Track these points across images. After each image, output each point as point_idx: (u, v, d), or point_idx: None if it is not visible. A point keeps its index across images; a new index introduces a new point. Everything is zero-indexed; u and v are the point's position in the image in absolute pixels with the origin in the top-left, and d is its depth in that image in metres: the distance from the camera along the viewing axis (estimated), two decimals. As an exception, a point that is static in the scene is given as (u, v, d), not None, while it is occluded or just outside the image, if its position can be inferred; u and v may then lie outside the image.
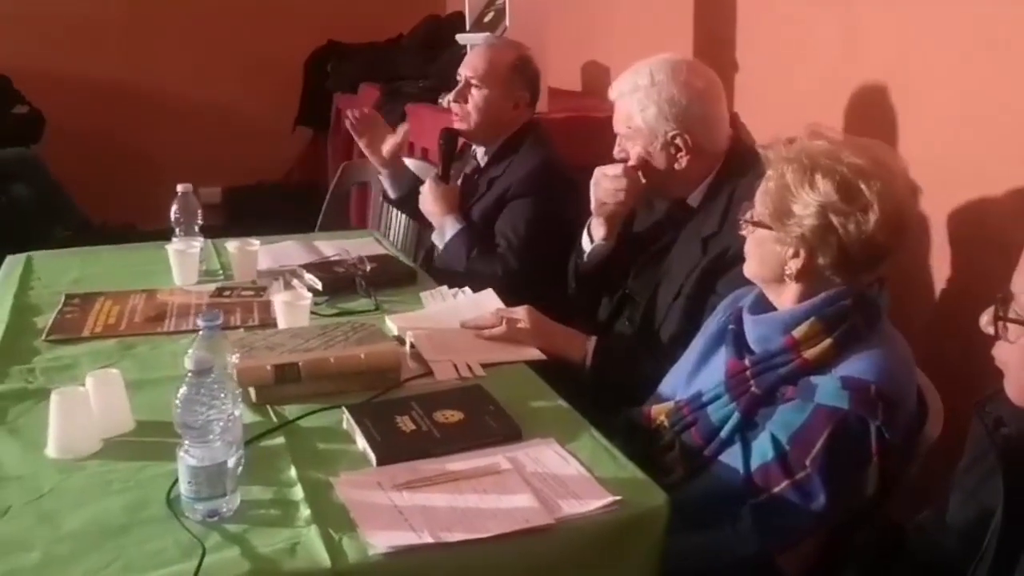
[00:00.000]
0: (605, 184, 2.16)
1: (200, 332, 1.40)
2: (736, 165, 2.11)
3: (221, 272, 2.50)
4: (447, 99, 2.93)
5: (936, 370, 1.67)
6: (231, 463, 1.36)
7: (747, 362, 1.61)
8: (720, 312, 1.80)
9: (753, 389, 1.58)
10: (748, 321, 1.66)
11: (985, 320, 1.16)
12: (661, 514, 1.39)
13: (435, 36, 4.85)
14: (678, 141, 2.08)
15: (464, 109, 2.72)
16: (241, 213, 5.60)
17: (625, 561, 1.38)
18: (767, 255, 1.61)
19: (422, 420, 1.61)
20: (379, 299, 2.27)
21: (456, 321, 2.08)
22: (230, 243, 2.46)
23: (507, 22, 3.42)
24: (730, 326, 1.70)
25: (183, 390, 1.33)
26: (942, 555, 1.28)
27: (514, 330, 2.02)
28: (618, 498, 1.38)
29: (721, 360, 1.69)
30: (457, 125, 2.77)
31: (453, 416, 1.63)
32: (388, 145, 2.82)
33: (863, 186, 1.50)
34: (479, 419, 1.63)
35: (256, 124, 5.71)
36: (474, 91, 2.70)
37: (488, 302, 2.18)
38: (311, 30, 5.69)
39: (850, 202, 1.51)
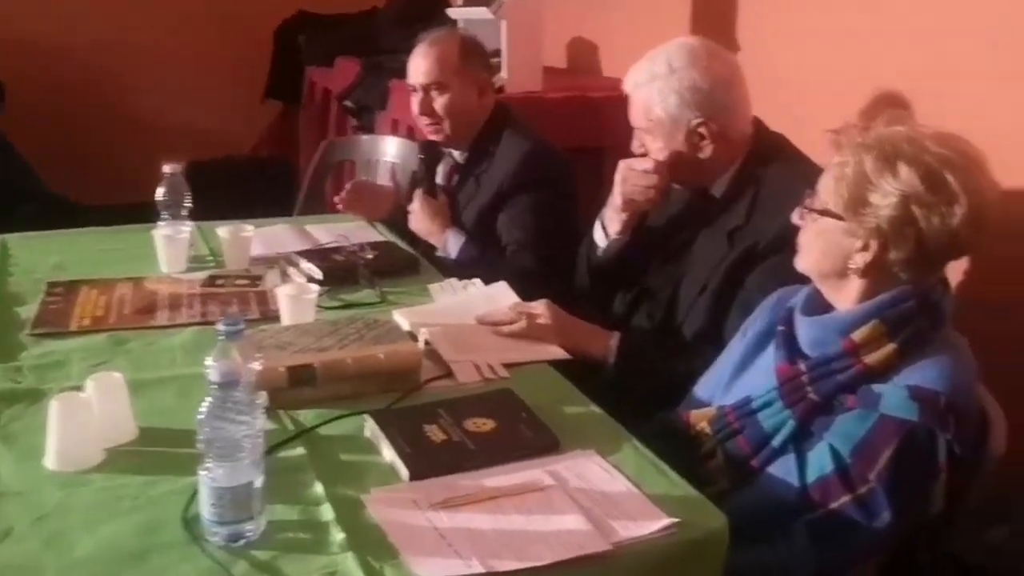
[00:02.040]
0: (634, 180, 2.05)
1: (219, 338, 1.27)
2: (762, 153, 2.02)
3: (211, 258, 2.36)
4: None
5: (997, 381, 1.59)
6: (258, 483, 1.24)
7: (802, 367, 1.52)
8: (763, 312, 1.71)
9: (810, 396, 1.49)
10: (801, 322, 1.57)
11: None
12: (722, 538, 1.29)
13: (415, 7, 4.67)
14: (702, 130, 1.98)
15: (435, 120, 2.58)
16: (207, 189, 5.41)
17: (685, 588, 1.29)
18: (831, 247, 1.51)
19: (452, 429, 1.50)
20: (383, 290, 2.15)
21: (470, 316, 1.97)
22: (221, 228, 2.32)
23: (502, -5, 3.29)
24: (779, 327, 1.61)
25: (206, 405, 1.20)
26: (1025, 583, 1.21)
27: (534, 326, 1.91)
28: (676, 520, 1.28)
29: (768, 364, 1.60)
30: (432, 137, 2.63)
31: (485, 424, 1.52)
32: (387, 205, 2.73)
33: (949, 177, 1.41)
34: (513, 428, 1.52)
35: (224, 96, 5.51)
36: (436, 96, 2.56)
37: (502, 296, 2.07)
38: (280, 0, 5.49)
39: (936, 193, 1.42)
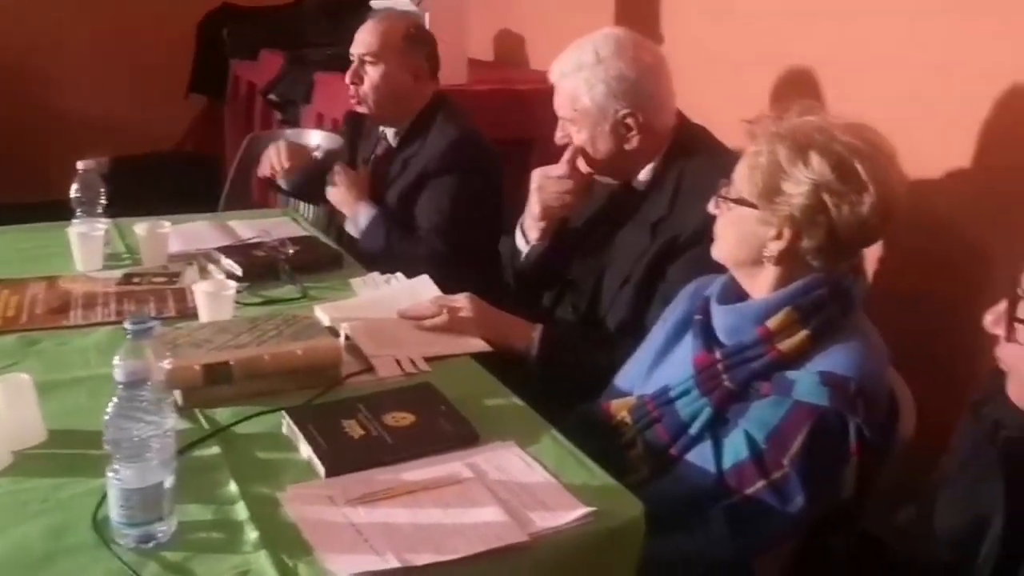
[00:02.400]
0: (550, 188, 2.04)
1: (128, 337, 1.24)
2: (684, 145, 2.03)
3: (127, 256, 2.30)
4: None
5: (906, 366, 1.63)
6: (168, 483, 1.22)
7: (718, 355, 1.54)
8: (681, 301, 1.72)
9: (726, 383, 1.51)
10: (717, 311, 1.59)
11: (991, 320, 1.11)
12: (639, 525, 1.30)
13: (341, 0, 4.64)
14: (629, 120, 1.98)
15: (362, 90, 2.59)
16: (129, 185, 5.29)
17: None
18: (746, 235, 1.53)
19: (371, 424, 1.49)
20: (305, 285, 2.12)
21: (392, 310, 1.95)
22: (137, 225, 2.27)
23: (426, -13, 3.27)
24: (696, 316, 1.63)
25: (113, 405, 1.18)
26: (931, 563, 1.24)
27: (456, 319, 1.91)
28: (593, 509, 1.29)
29: (686, 352, 1.61)
30: (359, 108, 2.64)
31: (404, 419, 1.51)
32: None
33: (859, 166, 1.44)
34: (432, 422, 1.51)
35: (146, 90, 5.39)
36: (369, 68, 2.57)
37: (425, 289, 2.06)
38: (203, -9, 5.40)
39: (846, 182, 1.44)
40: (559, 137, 2.08)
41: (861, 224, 1.46)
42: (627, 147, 2.00)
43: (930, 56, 2.19)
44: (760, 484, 1.43)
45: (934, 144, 2.15)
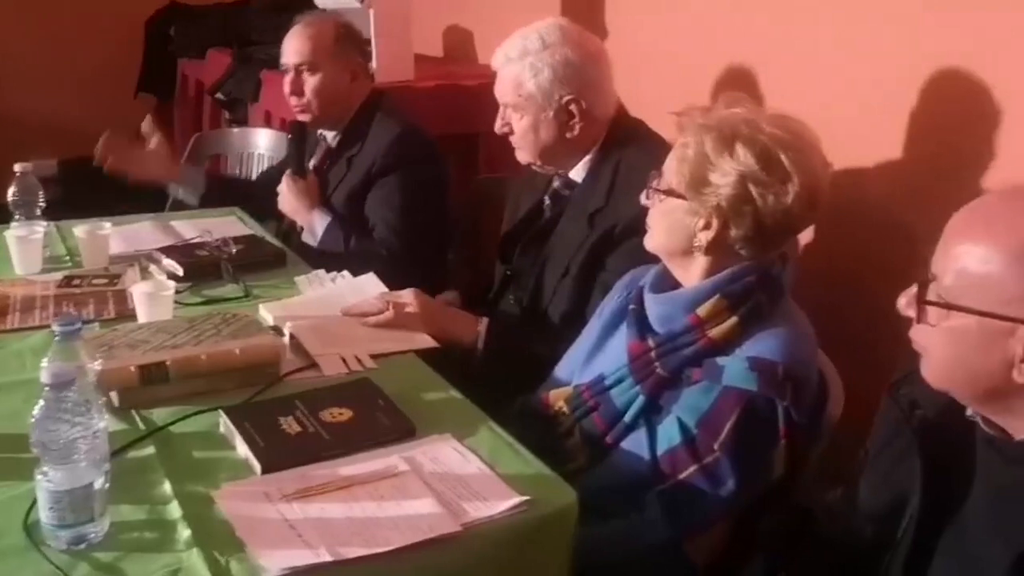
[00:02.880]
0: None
1: (56, 339, 1.24)
2: (620, 137, 2.05)
3: (68, 258, 2.29)
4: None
5: (835, 349, 1.66)
6: (99, 484, 1.22)
7: (650, 343, 1.56)
8: (617, 291, 1.74)
9: (658, 371, 1.53)
10: (650, 300, 1.61)
11: (904, 302, 1.14)
12: (571, 512, 1.32)
13: (288, -2, 4.61)
14: (572, 107, 1.99)
15: (303, 100, 2.57)
16: (80, 187, 5.23)
17: (536, 563, 1.31)
18: (676, 226, 1.55)
19: (308, 420, 1.49)
20: (248, 284, 2.11)
21: (337, 308, 1.95)
22: (78, 227, 2.25)
23: (369, -15, 3.27)
24: (630, 306, 1.65)
25: (39, 407, 1.17)
26: (855, 540, 1.26)
27: (402, 315, 1.91)
28: (526, 498, 1.30)
29: (621, 342, 1.63)
30: (301, 117, 2.62)
31: (342, 414, 1.52)
32: (156, 159, 2.73)
33: (783, 157, 1.47)
34: (370, 416, 1.52)
35: (94, 91, 5.33)
36: (307, 77, 2.56)
37: (370, 286, 2.06)
38: (151, -11, 5.35)
39: (770, 172, 1.47)
40: (499, 126, 2.10)
41: (786, 213, 1.48)
42: (568, 135, 2.01)
43: (860, 53, 2.24)
44: (692, 469, 1.45)
45: (864, 135, 2.19)
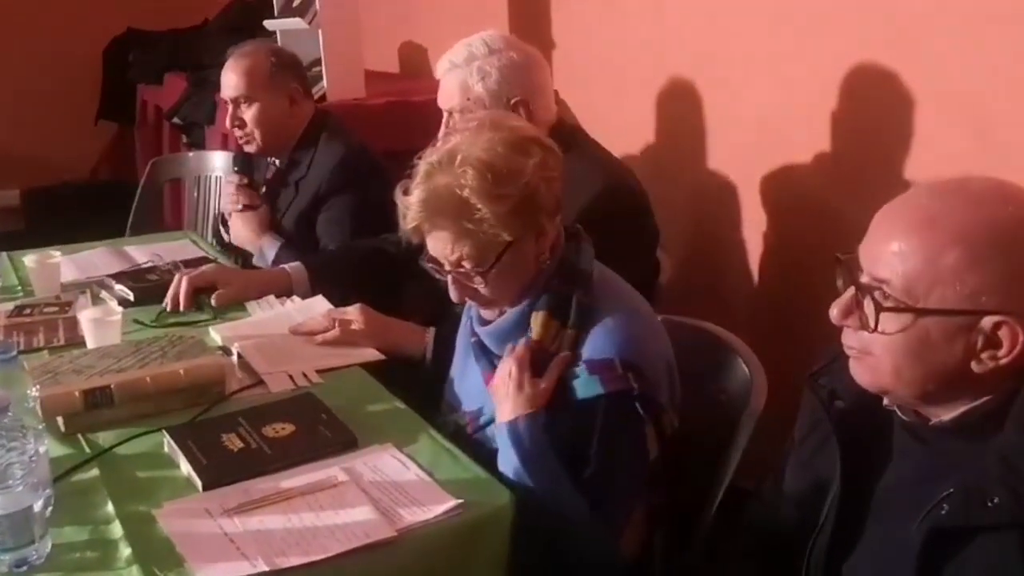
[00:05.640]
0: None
1: (-8, 366, 1.27)
2: (560, 141, 2.08)
3: (20, 288, 2.30)
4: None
5: (769, 338, 1.70)
6: (38, 507, 1.24)
7: None
8: (464, 317, 1.73)
9: None
10: (483, 335, 1.61)
11: (838, 312, 1.13)
12: (506, 513, 1.36)
13: (243, 20, 4.63)
14: (521, 110, 2.03)
15: (246, 131, 2.58)
16: (44, 216, 5.25)
17: (474, 562, 1.34)
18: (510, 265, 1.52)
19: (250, 436, 1.52)
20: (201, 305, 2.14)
21: (285, 328, 1.97)
22: (28, 256, 2.27)
23: (317, 5, 3.29)
24: (471, 339, 1.64)
25: (-25, 434, 1.20)
26: (781, 525, 1.30)
27: (348, 332, 1.93)
28: (460, 501, 1.34)
29: (477, 376, 1.63)
30: (247, 148, 2.63)
31: (284, 429, 1.55)
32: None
33: (500, 163, 1.48)
34: (312, 430, 1.55)
35: (55, 119, 5.34)
36: (245, 109, 2.56)
37: (318, 305, 2.09)
38: (108, 17, 5.36)
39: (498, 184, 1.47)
40: (443, 135, 2.12)
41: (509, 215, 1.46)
42: None
43: (789, 56, 2.31)
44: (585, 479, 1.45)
45: (803, 137, 2.25)
